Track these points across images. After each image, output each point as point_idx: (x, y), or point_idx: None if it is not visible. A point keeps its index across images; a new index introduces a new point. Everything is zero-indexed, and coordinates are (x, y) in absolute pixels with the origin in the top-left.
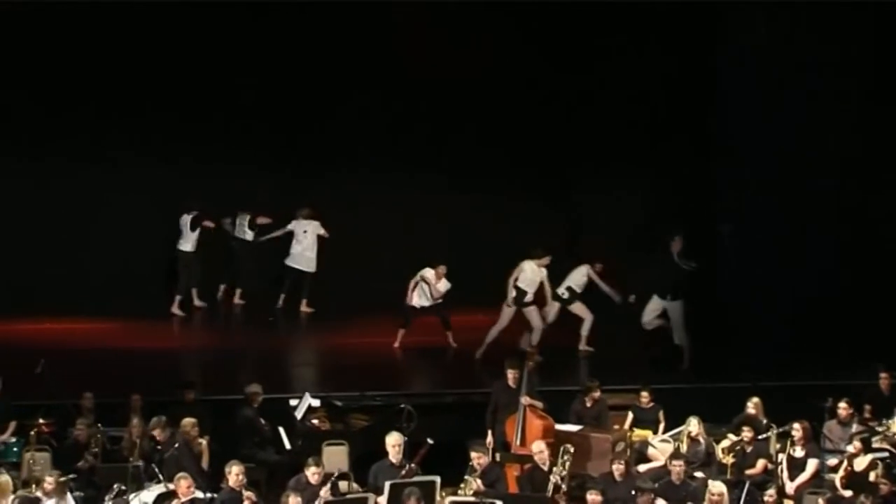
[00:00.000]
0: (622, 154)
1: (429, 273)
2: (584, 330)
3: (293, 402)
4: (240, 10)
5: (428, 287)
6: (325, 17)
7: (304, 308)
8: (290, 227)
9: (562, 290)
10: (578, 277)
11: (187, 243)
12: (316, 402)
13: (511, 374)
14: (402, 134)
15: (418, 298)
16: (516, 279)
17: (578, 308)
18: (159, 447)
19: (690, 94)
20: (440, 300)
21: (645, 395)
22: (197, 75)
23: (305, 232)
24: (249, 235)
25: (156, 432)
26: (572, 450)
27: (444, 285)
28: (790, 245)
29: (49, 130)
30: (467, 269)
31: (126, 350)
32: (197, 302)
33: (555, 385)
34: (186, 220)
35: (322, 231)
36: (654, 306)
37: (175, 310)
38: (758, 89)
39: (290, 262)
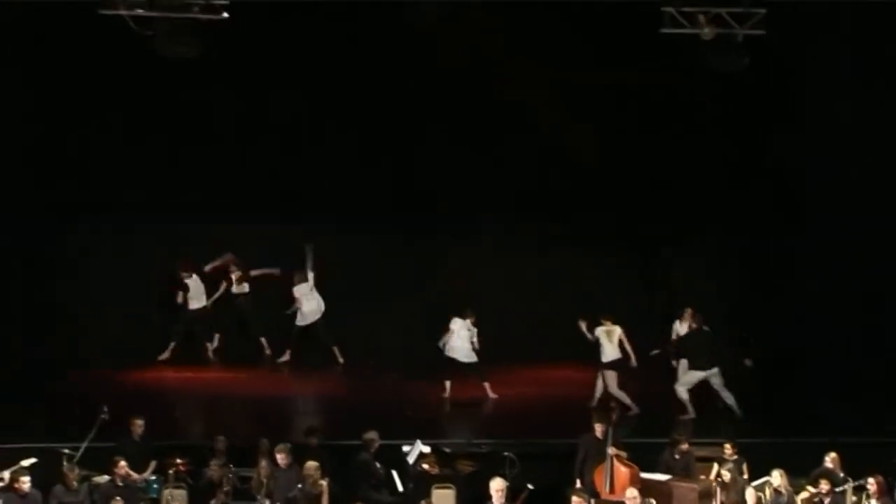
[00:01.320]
0: (708, 215)
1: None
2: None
3: (406, 448)
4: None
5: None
6: (412, 60)
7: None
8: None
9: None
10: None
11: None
12: (426, 449)
13: (599, 428)
14: (496, 196)
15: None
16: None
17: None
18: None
19: (777, 156)
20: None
21: (729, 448)
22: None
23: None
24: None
25: (280, 456)
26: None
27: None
28: (871, 305)
29: (174, 191)
30: (557, 325)
31: (256, 397)
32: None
33: (643, 437)
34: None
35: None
36: (691, 378)
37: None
38: (844, 155)
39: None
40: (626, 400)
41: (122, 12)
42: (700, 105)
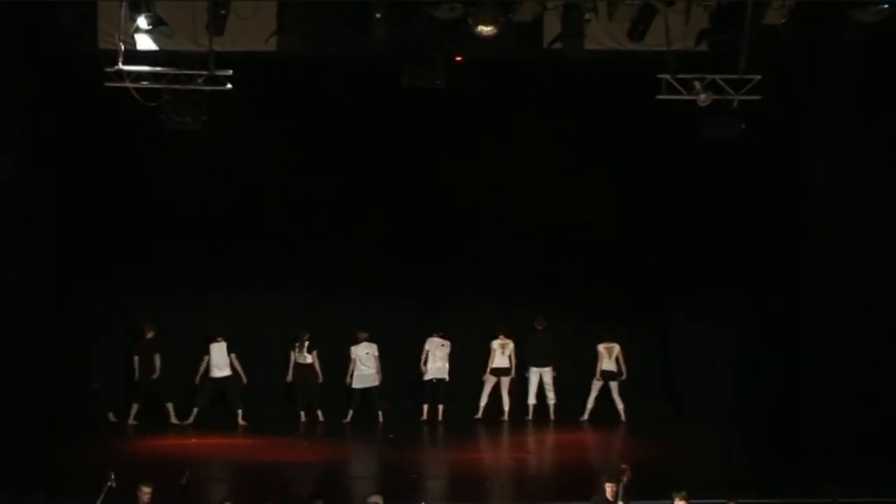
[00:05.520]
0: (713, 288)
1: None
2: None
3: None
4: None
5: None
6: (442, 159)
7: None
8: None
9: None
10: None
11: (224, 369)
12: None
13: (609, 488)
14: (507, 272)
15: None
16: None
17: None
18: None
19: (778, 233)
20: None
21: None
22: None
23: (367, 353)
24: (309, 359)
25: None
26: None
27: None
28: (873, 364)
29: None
30: (567, 389)
31: (261, 463)
32: (241, 422)
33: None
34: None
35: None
36: (535, 378)
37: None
38: (845, 231)
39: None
40: (506, 406)
41: (128, 84)
42: (697, 169)
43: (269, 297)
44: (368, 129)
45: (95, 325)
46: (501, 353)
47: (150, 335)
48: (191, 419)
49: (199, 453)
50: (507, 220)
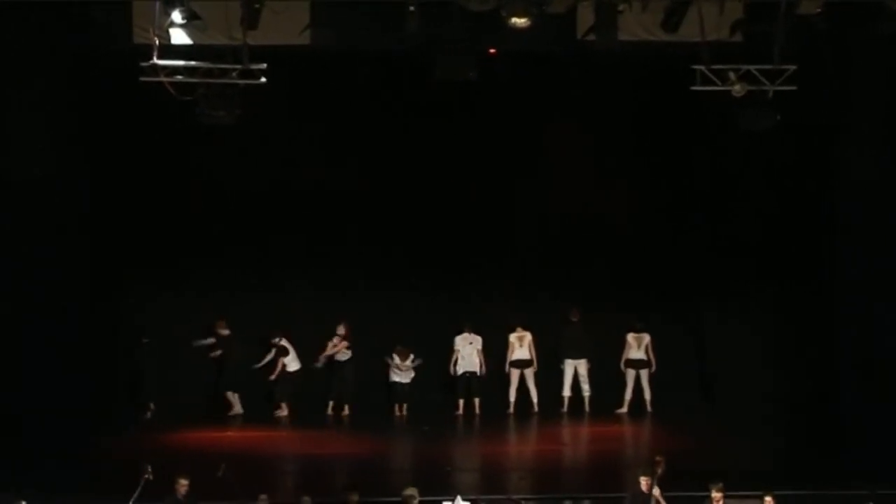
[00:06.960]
0: (746, 280)
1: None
2: None
3: None
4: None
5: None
6: (468, 147)
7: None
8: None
9: None
10: None
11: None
12: None
13: (644, 481)
14: (538, 266)
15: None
16: None
17: None
18: None
19: (811, 225)
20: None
21: (769, 501)
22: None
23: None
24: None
25: None
26: None
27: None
28: None
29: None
30: (600, 382)
31: (297, 455)
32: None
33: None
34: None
35: None
36: (570, 370)
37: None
38: (875, 226)
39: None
40: (534, 398)
41: (163, 79)
42: (730, 161)
43: (295, 292)
44: (401, 121)
45: (129, 320)
46: (520, 346)
47: (225, 332)
48: (285, 412)
49: (236, 446)
50: (539, 212)
